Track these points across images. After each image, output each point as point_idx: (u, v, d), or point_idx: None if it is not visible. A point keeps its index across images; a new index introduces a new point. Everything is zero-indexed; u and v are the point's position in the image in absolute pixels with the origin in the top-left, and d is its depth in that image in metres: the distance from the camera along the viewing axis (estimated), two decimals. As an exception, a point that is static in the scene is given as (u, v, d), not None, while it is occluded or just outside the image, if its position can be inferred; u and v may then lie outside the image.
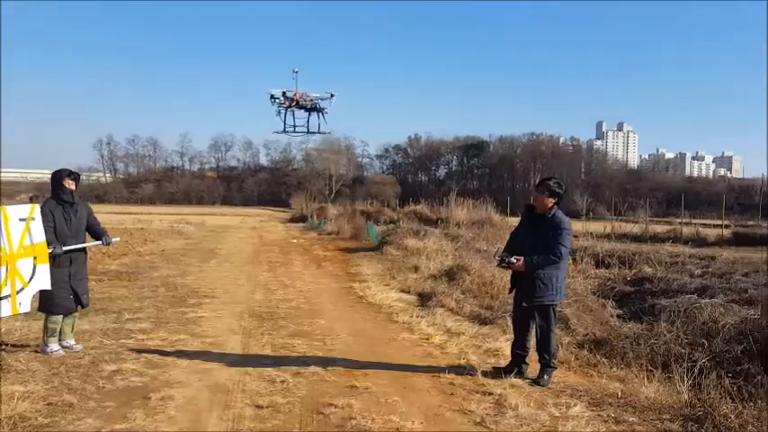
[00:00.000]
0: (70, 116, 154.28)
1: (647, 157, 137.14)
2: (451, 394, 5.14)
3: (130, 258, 15.21)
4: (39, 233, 5.74)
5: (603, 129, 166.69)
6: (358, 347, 6.72)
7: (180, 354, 6.14)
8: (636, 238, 22.08)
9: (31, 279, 5.63)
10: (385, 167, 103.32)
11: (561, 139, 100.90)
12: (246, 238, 24.80)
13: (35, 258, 5.67)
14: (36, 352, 5.98)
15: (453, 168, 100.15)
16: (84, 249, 6.25)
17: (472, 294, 9.72)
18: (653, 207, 38.29)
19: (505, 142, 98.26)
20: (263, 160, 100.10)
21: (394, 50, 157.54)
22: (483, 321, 8.00)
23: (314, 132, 9.81)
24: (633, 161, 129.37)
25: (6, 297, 5.44)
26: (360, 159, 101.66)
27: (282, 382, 5.26)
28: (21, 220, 5.64)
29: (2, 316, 5.50)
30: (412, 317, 8.36)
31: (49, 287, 5.73)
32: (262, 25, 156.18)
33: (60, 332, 6.06)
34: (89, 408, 4.51)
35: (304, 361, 5.97)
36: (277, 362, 5.92)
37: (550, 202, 5.50)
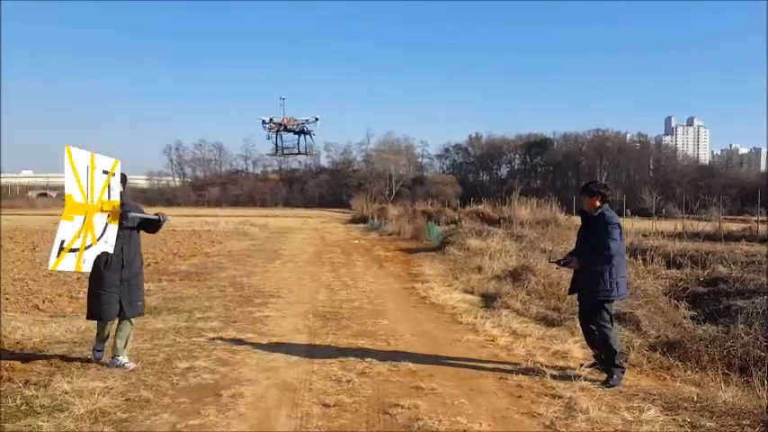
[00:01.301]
0: (140, 121, 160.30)
1: (719, 152, 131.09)
2: (519, 397, 5.05)
3: (199, 259, 15.69)
4: (115, 191, 5.60)
5: (672, 124, 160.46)
6: (422, 348, 6.69)
7: (248, 352, 6.27)
8: (709, 237, 21.08)
9: (100, 237, 5.38)
10: (445, 167, 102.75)
11: (628, 136, 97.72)
12: (309, 239, 25.17)
13: (108, 216, 5.46)
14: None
15: (516, 167, 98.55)
16: (139, 255, 5.97)
17: (538, 295, 9.53)
18: (727, 205, 36.63)
19: (570, 139, 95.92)
20: (324, 162, 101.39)
21: (454, 49, 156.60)
22: (550, 323, 7.83)
23: (303, 153, 10.62)
24: (704, 157, 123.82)
25: (75, 250, 5.13)
26: (420, 159, 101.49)
27: (348, 381, 5.29)
28: (104, 172, 5.48)
29: (65, 269, 5.17)
30: (476, 318, 8.27)
31: (111, 251, 5.45)
32: (327, 28, 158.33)
33: (114, 347, 5.68)
34: (164, 404, 4.66)
35: (369, 361, 5.98)
36: (342, 362, 5.97)
37: (597, 202, 5.80)
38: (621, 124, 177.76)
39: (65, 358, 5.81)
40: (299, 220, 43.96)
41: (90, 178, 5.30)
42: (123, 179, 5.83)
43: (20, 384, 4.94)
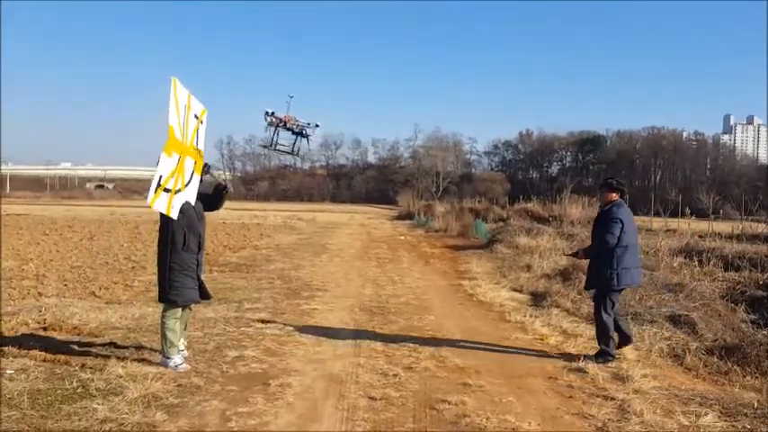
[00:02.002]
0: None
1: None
2: (570, 397, 4.93)
3: (248, 252, 15.93)
4: (201, 140, 5.52)
5: (731, 122, 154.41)
6: (469, 345, 6.62)
7: (296, 343, 6.32)
8: (770, 240, 20.19)
9: (187, 184, 5.24)
10: (494, 164, 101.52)
11: (684, 134, 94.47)
12: (355, 235, 25.27)
13: (195, 164, 5.35)
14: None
15: (567, 165, 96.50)
16: (204, 238, 5.66)
17: (589, 295, 9.29)
18: (788, 206, 34.96)
19: (624, 137, 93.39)
20: (371, 158, 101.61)
21: (506, 47, 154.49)
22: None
23: (294, 154, 10.65)
24: (765, 157, 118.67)
25: (168, 191, 4.99)
26: (468, 156, 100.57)
27: (395, 375, 5.27)
28: (195, 116, 5.44)
29: (158, 209, 4.97)
30: (525, 316, 8.13)
31: (192, 202, 5.32)
32: (370, 23, 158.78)
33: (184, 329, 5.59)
34: (214, 390, 4.74)
35: (415, 356, 5.95)
36: (389, 356, 5.95)
37: (613, 196, 6.19)
38: (678, 122, 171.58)
39: (120, 344, 5.97)
40: (346, 216, 44.22)
41: (186, 118, 5.27)
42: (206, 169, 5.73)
43: (76, 368, 5.10)
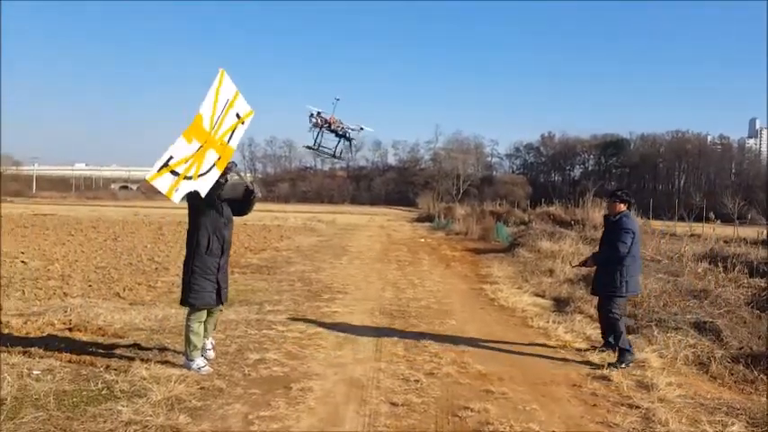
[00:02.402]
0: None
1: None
2: (594, 405, 4.87)
3: (269, 253, 16.01)
4: (235, 140, 5.49)
5: (757, 126, 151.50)
6: (491, 350, 6.58)
7: (317, 347, 6.33)
8: (797, 246, 19.79)
9: (201, 174, 5.14)
10: (515, 167, 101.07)
11: (709, 138, 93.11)
12: (375, 237, 25.29)
13: (219, 159, 5.28)
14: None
15: (590, 168, 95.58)
16: (229, 242, 5.65)
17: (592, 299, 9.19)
18: (816, 211, 34.28)
19: (647, 141, 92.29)
20: (392, 160, 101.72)
21: (528, 48, 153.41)
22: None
23: (337, 157, 10.34)
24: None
25: (176, 174, 4.93)
26: (489, 159, 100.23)
27: (416, 381, 5.24)
28: (237, 115, 5.45)
29: (158, 187, 4.89)
30: (548, 322, 8.05)
31: (203, 194, 5.17)
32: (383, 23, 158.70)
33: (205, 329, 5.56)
34: (237, 394, 4.76)
35: (437, 362, 5.92)
36: (410, 361, 5.93)
37: (621, 207, 6.53)
38: (702, 126, 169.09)
39: (143, 345, 6.03)
40: (366, 218, 44.28)
41: (224, 113, 5.27)
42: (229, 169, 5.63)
43: (101, 369, 5.16)
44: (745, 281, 12.30)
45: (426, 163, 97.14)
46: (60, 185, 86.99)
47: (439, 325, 7.78)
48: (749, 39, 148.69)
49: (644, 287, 9.45)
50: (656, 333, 7.10)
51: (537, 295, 10.29)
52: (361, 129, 10.58)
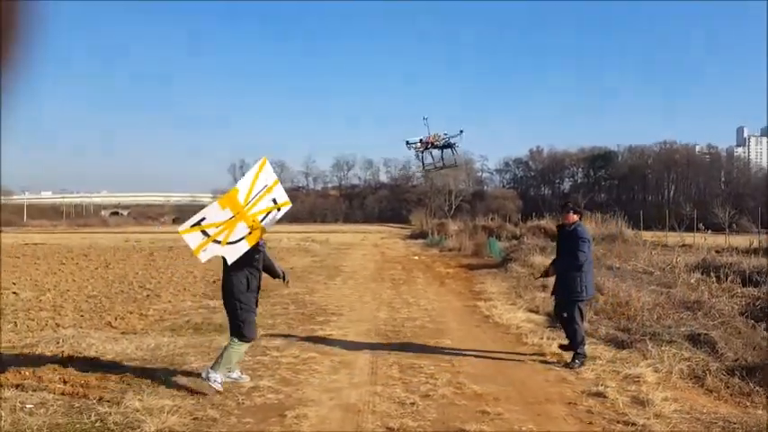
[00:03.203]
0: (204, 140, 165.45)
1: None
2: (590, 423, 4.85)
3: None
4: (269, 223, 5.97)
5: (745, 135, 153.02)
6: (487, 370, 6.55)
7: (311, 372, 6.29)
8: (789, 253, 19.89)
9: (230, 243, 5.55)
10: (505, 182, 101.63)
11: (697, 148, 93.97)
12: (369, 255, 25.26)
13: (249, 234, 5.62)
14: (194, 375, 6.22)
15: (579, 181, 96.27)
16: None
17: (606, 315, 9.21)
18: (807, 218, 34.49)
19: (635, 152, 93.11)
20: (384, 177, 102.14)
21: (512, 61, 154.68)
22: (620, 345, 7.52)
23: (449, 166, 11.04)
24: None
25: (206, 235, 5.45)
26: (479, 174, 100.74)
27: (412, 404, 5.22)
28: (274, 201, 5.95)
29: (187, 242, 5.49)
30: (543, 339, 8.04)
31: (230, 261, 5.59)
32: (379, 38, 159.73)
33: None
34: (230, 423, 4.72)
35: (433, 383, 5.90)
36: (406, 383, 5.90)
37: (575, 217, 7.04)
38: (690, 136, 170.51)
39: (136, 375, 5.97)
40: (359, 236, 44.26)
41: (260, 195, 5.78)
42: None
43: (94, 401, 5.11)
44: (739, 290, 12.35)
45: (418, 180, 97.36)
46: (51, 214, 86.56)
47: (434, 345, 7.75)
48: (735, 47, 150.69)
49: (637, 300, 9.49)
50: (650, 347, 7.10)
51: (531, 311, 10.28)
52: (461, 132, 11.23)
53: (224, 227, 5.50)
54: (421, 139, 10.33)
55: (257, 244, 5.77)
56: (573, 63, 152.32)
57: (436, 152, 11.08)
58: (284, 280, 6.53)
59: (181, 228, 5.49)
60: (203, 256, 5.53)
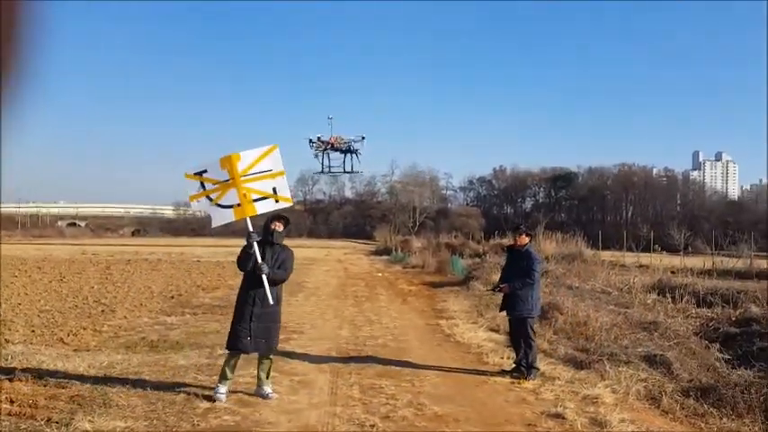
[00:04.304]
0: (166, 151, 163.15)
1: (749, 188, 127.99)
2: (549, 446, 4.86)
3: (223, 292, 15.67)
4: (263, 208, 5.99)
5: (700, 159, 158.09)
6: (447, 390, 6.53)
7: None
8: (740, 275, 20.53)
9: (218, 206, 5.92)
10: (469, 200, 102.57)
11: (655, 170, 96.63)
12: (332, 271, 25.11)
13: (238, 206, 5.88)
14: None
15: (540, 200, 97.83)
16: (276, 295, 5.90)
17: (565, 335, 9.32)
18: (758, 241, 35.68)
19: (595, 173, 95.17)
20: (348, 193, 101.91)
21: (479, 80, 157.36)
22: (579, 365, 7.60)
23: (349, 172, 10.52)
24: (734, 192, 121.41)
25: (203, 188, 5.93)
26: (444, 192, 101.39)
27: (372, 426, 5.15)
28: (274, 189, 6.02)
29: (187, 186, 6.00)
30: (503, 358, 8.07)
31: (213, 225, 6.08)
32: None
33: (257, 378, 6.03)
34: (184, 446, 4.58)
35: (393, 404, 5.85)
36: (366, 404, 5.84)
37: (526, 239, 7.60)
38: (648, 159, 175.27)
39: (87, 395, 5.76)
40: (323, 251, 43.98)
41: (260, 175, 5.94)
42: (285, 221, 6.18)
43: (42, 422, 4.90)
44: (693, 311, 12.68)
45: (383, 196, 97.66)
46: (5, 223, 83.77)
47: (396, 364, 7.70)
48: (691, 72, 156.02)
49: (595, 320, 9.63)
50: (608, 367, 7.20)
51: (492, 330, 10.33)
52: (362, 138, 10.78)
53: (219, 186, 5.80)
54: (319, 138, 9.95)
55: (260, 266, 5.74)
56: (538, 80, 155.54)
57: (338, 155, 10.74)
58: (260, 269, 5.77)
59: (187, 171, 5.90)
60: (194, 206, 6.01)
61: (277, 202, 6.05)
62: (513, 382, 6.92)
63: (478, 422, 5.40)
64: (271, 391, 5.96)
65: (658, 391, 6.57)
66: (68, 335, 8.98)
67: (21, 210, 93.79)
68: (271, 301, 5.77)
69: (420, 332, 10.39)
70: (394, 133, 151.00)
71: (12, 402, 5.40)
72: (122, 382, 6.28)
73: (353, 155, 9.60)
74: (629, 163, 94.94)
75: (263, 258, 5.80)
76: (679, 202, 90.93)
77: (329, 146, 9.20)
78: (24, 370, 6.64)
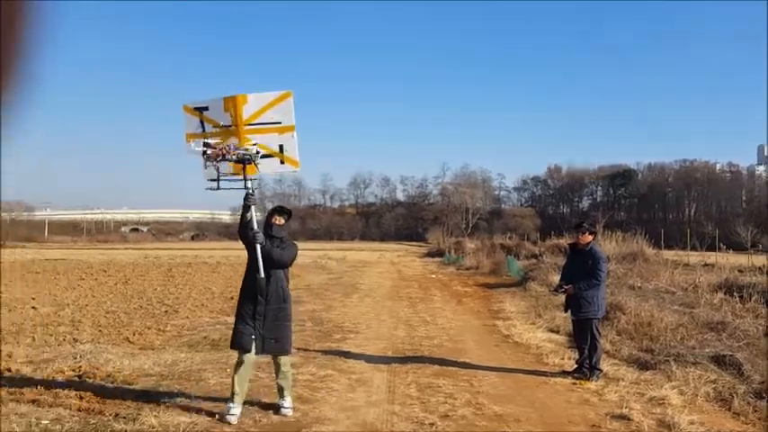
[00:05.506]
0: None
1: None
2: (615, 447, 4.71)
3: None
4: (266, 168, 5.35)
5: (766, 153, 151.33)
6: (507, 390, 6.42)
7: (329, 390, 6.21)
8: (814, 273, 19.47)
9: (216, 156, 5.14)
10: (523, 200, 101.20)
11: (718, 166, 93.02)
12: (385, 273, 25.17)
13: (236, 159, 5.16)
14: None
15: (598, 199, 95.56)
16: (283, 291, 5.41)
17: (629, 336, 9.02)
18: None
19: (655, 170, 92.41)
20: (400, 196, 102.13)
21: (532, 79, 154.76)
22: (643, 366, 7.35)
23: (251, 190, 6.71)
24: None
25: (202, 128, 5.20)
26: (497, 192, 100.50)
27: (431, 424, 5.11)
28: (281, 148, 5.24)
29: (186, 121, 5.28)
30: (563, 359, 7.90)
31: (205, 177, 5.34)
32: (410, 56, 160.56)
33: (278, 389, 5.50)
34: (247, 442, 4.65)
35: (451, 403, 5.79)
36: (424, 403, 5.80)
37: (589, 237, 7.31)
38: (710, 154, 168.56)
39: (153, 392, 5.93)
40: (376, 254, 44.20)
41: (267, 128, 5.17)
42: (286, 214, 5.60)
43: (110, 418, 5.07)
44: (763, 311, 12.08)
45: (435, 198, 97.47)
46: (72, 230, 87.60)
47: (453, 364, 7.63)
48: (753, 65, 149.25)
49: (659, 320, 9.31)
50: (674, 368, 6.93)
51: (551, 331, 10.12)
52: (257, 150, 7.14)
53: (219, 131, 5.06)
54: (206, 143, 6.49)
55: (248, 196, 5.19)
56: (590, 76, 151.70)
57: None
58: (254, 234, 5.28)
59: (186, 104, 5.11)
60: (189, 147, 5.04)
61: (282, 163, 5.28)
62: (574, 383, 6.76)
63: (540, 423, 5.29)
64: (289, 404, 5.40)
65: (729, 392, 6.28)
66: (134, 334, 9.28)
67: (86, 216, 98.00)
68: (262, 275, 5.18)
69: (476, 333, 10.27)
70: (444, 135, 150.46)
71: (81, 399, 5.60)
72: (186, 379, 6.44)
73: (254, 163, 6.85)
74: (691, 159, 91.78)
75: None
76: (744, 198, 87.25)
77: (221, 157, 6.54)
78: (92, 368, 6.90)
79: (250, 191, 5.33)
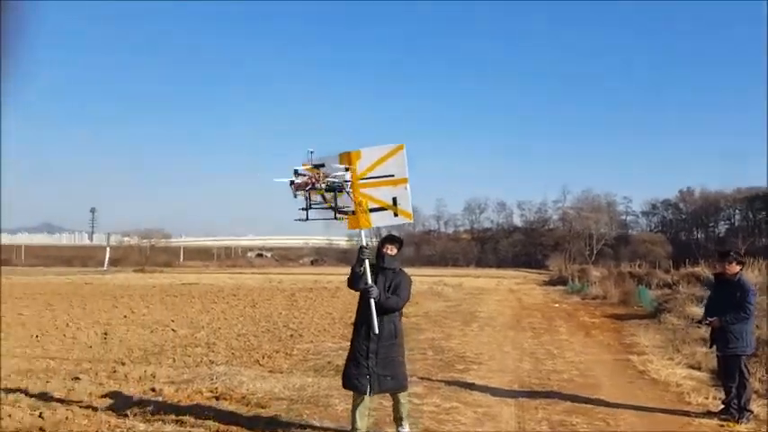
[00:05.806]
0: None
1: None
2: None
3: (399, 320, 15.94)
4: (379, 221, 5.36)
5: None
6: (646, 431, 5.96)
7: (455, 423, 6.08)
8: None
9: (326, 204, 5.19)
10: (652, 225, 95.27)
11: None
12: (504, 301, 24.53)
13: (353, 212, 5.21)
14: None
15: (736, 224, 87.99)
16: (395, 327, 5.36)
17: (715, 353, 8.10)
18: None
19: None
20: (518, 221, 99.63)
21: (659, 96, 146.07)
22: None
23: (339, 210, 5.86)
24: None
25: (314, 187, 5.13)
26: (623, 217, 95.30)
27: (567, 466, 4.83)
28: (394, 200, 5.25)
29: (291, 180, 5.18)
30: (707, 398, 7.25)
31: (302, 216, 5.30)
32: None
33: (396, 418, 5.54)
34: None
35: (587, 443, 5.45)
36: (557, 441, 5.50)
37: (737, 268, 6.70)
38: None
39: (283, 416, 6.11)
40: (493, 281, 43.27)
41: (381, 181, 5.22)
42: (398, 243, 5.52)
43: (247, 440, 5.24)
44: None
45: (555, 223, 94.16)
46: (203, 255, 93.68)
47: (585, 401, 7.21)
48: None
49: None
50: None
51: (692, 367, 9.33)
52: (347, 169, 6.62)
53: (318, 191, 5.08)
54: (297, 171, 5.60)
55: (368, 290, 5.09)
56: (728, 95, 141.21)
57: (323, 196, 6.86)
58: (368, 290, 5.19)
59: (304, 162, 5.11)
60: (294, 193, 5.10)
61: (396, 215, 5.26)
62: (721, 425, 6.20)
63: (689, 471, 4.83)
64: (408, 430, 5.47)
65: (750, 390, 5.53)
66: (263, 357, 9.66)
67: (216, 242, 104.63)
68: (376, 330, 5.10)
69: (609, 367, 9.68)
70: (563, 156, 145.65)
71: (219, 420, 5.86)
72: (315, 404, 6.58)
73: (345, 193, 6.37)
74: None
75: (374, 283, 5.17)
76: None
77: (310, 186, 6.14)
78: (228, 389, 7.23)
79: (364, 244, 5.24)
